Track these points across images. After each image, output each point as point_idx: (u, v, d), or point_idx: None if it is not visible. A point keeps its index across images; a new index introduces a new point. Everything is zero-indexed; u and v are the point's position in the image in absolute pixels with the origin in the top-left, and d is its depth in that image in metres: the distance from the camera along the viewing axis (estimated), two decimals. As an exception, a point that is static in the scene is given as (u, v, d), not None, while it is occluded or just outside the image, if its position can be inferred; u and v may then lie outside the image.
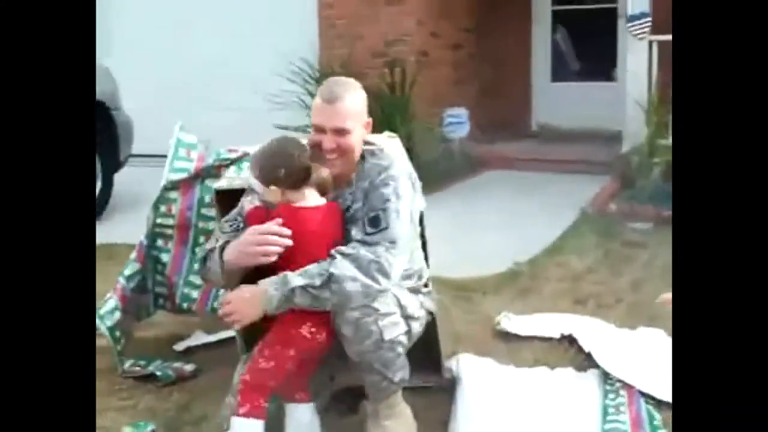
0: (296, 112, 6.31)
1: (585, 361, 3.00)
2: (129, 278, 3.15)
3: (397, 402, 2.49)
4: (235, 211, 2.52)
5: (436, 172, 6.06)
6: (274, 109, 6.29)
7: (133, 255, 3.21)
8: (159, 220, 3.23)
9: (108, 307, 3.08)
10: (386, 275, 2.25)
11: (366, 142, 2.49)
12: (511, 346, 3.23)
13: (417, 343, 2.77)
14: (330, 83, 2.48)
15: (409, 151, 5.84)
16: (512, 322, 3.35)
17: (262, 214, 2.39)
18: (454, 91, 6.89)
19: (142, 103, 6.51)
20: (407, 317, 2.40)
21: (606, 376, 2.84)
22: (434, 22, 6.75)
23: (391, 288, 2.30)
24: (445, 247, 4.51)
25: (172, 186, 3.21)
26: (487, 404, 2.68)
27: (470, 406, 2.67)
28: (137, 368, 3.07)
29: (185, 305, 3.31)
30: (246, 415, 2.29)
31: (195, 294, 3.30)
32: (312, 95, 6.38)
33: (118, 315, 3.06)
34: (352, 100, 2.41)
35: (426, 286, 2.63)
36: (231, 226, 2.45)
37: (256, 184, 2.41)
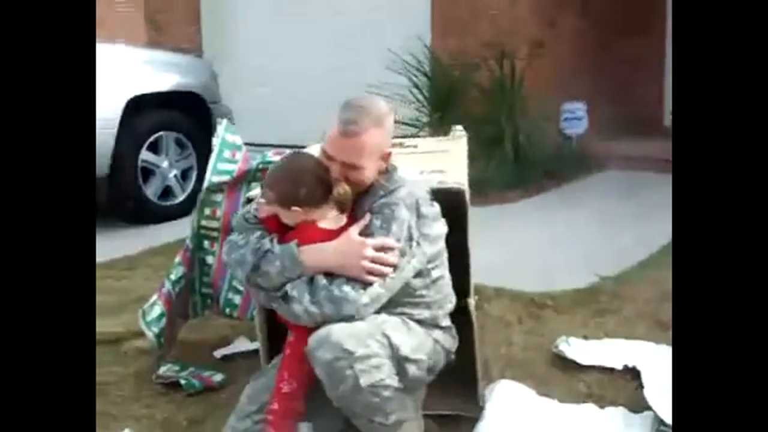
0: (403, 106, 6.14)
1: (644, 400, 2.66)
2: (175, 283, 3.08)
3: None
4: (249, 212, 2.36)
5: (543, 173, 5.72)
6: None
7: (179, 258, 3.15)
8: (204, 223, 3.16)
9: (155, 313, 3.03)
10: (336, 304, 2.11)
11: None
12: (565, 376, 2.92)
13: (450, 367, 2.57)
14: (351, 109, 2.24)
15: (518, 147, 5.69)
16: (572, 348, 3.02)
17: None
18: (572, 84, 6.45)
19: (247, 96, 6.57)
20: (400, 359, 2.18)
21: (660, 423, 2.49)
22: (551, 10, 6.35)
23: (355, 317, 2.12)
24: (524, 257, 4.24)
25: (216, 188, 3.12)
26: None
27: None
28: (171, 374, 3.02)
29: (227, 310, 3.23)
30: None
31: (237, 300, 3.21)
32: (419, 89, 6.21)
33: (164, 321, 3.01)
34: (373, 136, 2.22)
35: (448, 317, 2.41)
36: (262, 238, 2.29)
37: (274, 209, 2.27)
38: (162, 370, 3.04)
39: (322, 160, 2.26)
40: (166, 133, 5.29)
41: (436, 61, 6.27)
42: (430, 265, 2.30)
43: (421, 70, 6.19)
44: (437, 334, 2.34)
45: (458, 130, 3.45)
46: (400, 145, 3.48)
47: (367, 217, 2.19)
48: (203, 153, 5.51)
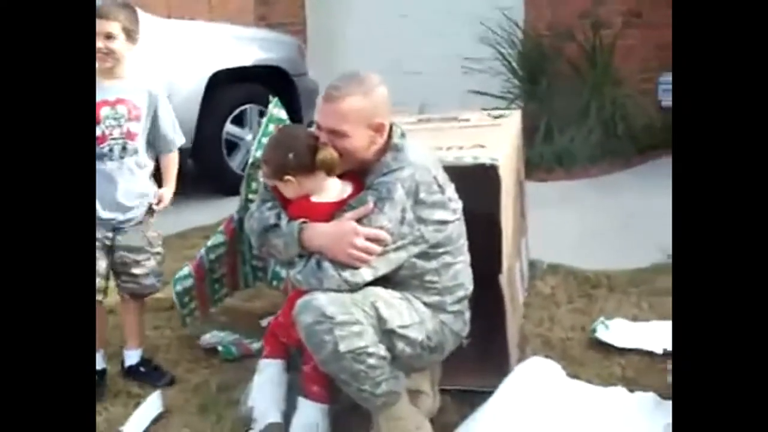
0: (491, 78, 6.05)
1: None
2: (210, 249, 3.16)
3: (400, 415, 2.26)
4: (267, 192, 2.40)
5: (634, 147, 5.50)
6: (467, 74, 6.10)
7: (221, 227, 3.23)
8: (251, 196, 3.21)
9: (182, 273, 3.14)
10: (318, 279, 2.15)
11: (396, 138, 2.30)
12: (602, 358, 2.83)
13: (480, 344, 2.55)
14: (338, 79, 2.28)
15: (612, 120, 5.49)
16: (609, 332, 2.92)
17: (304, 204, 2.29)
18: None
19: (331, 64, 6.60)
20: (388, 332, 2.17)
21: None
22: (649, -22, 6.06)
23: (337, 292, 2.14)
24: (594, 234, 4.10)
25: (260, 162, 3.17)
26: (516, 416, 2.34)
27: (497, 413, 2.36)
28: (214, 340, 3.12)
29: (274, 283, 3.29)
30: (267, 356, 2.43)
31: (284, 274, 3.26)
32: (508, 61, 6.08)
33: (189, 282, 3.10)
34: (354, 101, 2.21)
35: (459, 302, 2.36)
36: (270, 209, 2.34)
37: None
38: (206, 336, 3.14)
39: (313, 131, 2.28)
40: (251, 107, 5.41)
41: (527, 32, 6.12)
42: (439, 250, 2.27)
43: (511, 41, 6.05)
44: (444, 317, 2.31)
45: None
46: (454, 119, 3.46)
47: (370, 205, 2.18)
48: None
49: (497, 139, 2.95)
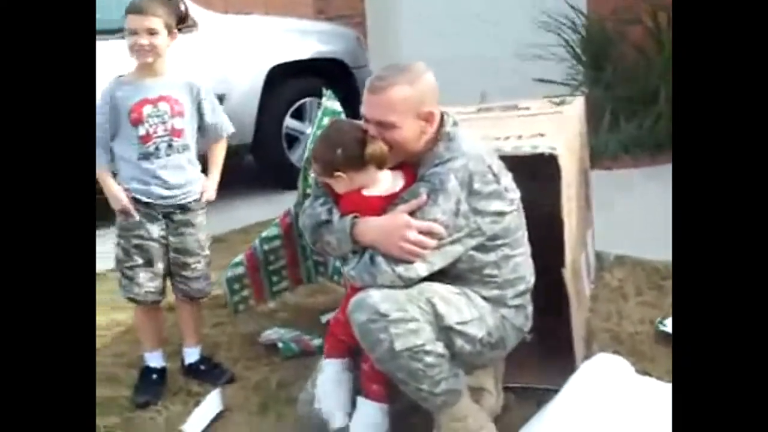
0: (555, 65, 5.90)
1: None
2: (264, 240, 3.14)
3: (462, 415, 2.19)
4: (318, 188, 2.35)
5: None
6: (530, 62, 5.96)
7: (277, 220, 3.21)
8: (307, 190, 3.18)
9: (234, 261, 3.13)
10: (371, 275, 2.09)
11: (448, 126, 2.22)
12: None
13: (544, 339, 2.48)
14: (383, 69, 2.22)
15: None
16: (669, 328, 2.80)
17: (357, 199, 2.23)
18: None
19: (404, 57, 6.51)
20: (446, 329, 2.10)
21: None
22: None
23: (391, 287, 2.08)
24: (662, 224, 3.93)
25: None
26: (583, 415, 2.25)
27: (562, 412, 2.27)
28: (274, 337, 3.10)
29: (335, 278, 3.25)
30: (327, 356, 2.36)
31: (344, 269, 3.22)
32: (571, 47, 5.93)
33: (240, 269, 3.08)
34: (400, 90, 2.14)
35: (520, 296, 2.28)
36: (322, 205, 2.30)
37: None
38: (267, 332, 3.12)
39: (361, 124, 2.22)
40: (310, 100, 5.37)
41: (590, 16, 5.96)
42: (498, 242, 2.19)
43: (574, 27, 5.90)
44: (505, 311, 2.23)
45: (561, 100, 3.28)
46: (514, 107, 3.36)
47: (423, 197, 2.11)
48: (348, 118, 5.61)
49: (558, 127, 2.85)
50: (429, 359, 2.06)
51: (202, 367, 2.90)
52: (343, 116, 3.18)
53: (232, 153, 5.08)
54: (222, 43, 4.94)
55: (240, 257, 3.14)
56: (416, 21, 7.52)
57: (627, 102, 5.51)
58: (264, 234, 3.17)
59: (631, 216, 4.07)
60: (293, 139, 5.41)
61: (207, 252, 2.88)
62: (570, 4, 5.88)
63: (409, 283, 2.09)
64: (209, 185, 2.83)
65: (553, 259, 2.52)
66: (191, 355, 2.92)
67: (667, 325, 2.81)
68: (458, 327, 2.12)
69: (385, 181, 2.23)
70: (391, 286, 2.08)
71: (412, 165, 2.24)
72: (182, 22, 4.51)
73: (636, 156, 5.22)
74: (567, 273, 2.49)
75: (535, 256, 2.37)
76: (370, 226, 2.14)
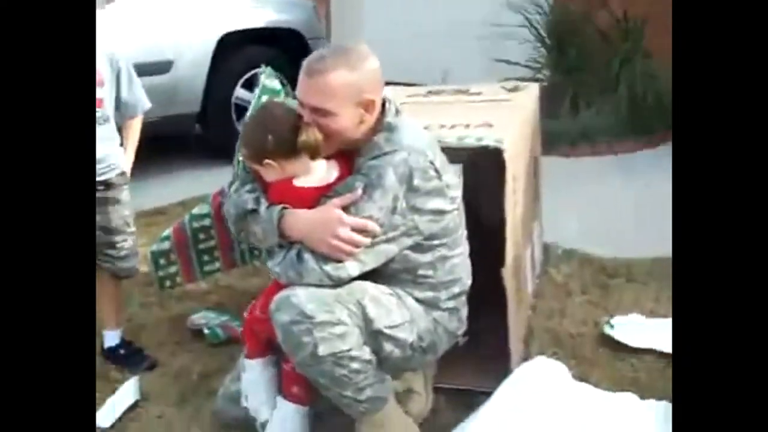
0: (518, 46, 5.76)
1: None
2: (194, 217, 2.96)
3: (385, 422, 2.06)
4: (246, 173, 2.19)
5: (664, 123, 5.21)
6: (493, 42, 5.83)
7: (209, 198, 3.04)
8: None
9: (161, 235, 2.97)
10: (297, 272, 1.95)
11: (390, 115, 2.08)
12: (616, 357, 2.61)
13: (479, 340, 2.37)
14: (323, 50, 2.06)
15: (642, 94, 5.20)
16: (617, 330, 2.70)
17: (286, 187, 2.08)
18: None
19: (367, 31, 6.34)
20: (375, 333, 1.97)
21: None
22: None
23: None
24: (613, 218, 3.85)
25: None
26: (515, 420, 2.14)
27: (494, 416, 2.16)
28: (201, 321, 2.95)
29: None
30: (248, 357, 2.24)
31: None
32: (536, 28, 5.79)
33: (166, 244, 2.91)
34: (340, 76, 1.97)
35: (455, 299, 2.16)
36: (249, 192, 2.14)
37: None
38: (195, 316, 2.98)
39: (296, 108, 2.06)
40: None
41: (557, -1, 5.83)
42: (435, 242, 2.06)
43: (540, 7, 5.76)
44: (438, 314, 2.11)
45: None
46: (465, 92, 3.23)
47: (358, 192, 1.96)
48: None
49: (508, 117, 2.72)
50: (354, 365, 1.93)
51: (122, 352, 2.75)
52: (282, 96, 3.01)
53: (179, 121, 4.97)
54: (172, 8, 4.72)
55: (167, 231, 2.97)
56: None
57: (588, 88, 5.40)
58: (195, 211, 2.99)
59: (584, 207, 3.97)
60: (243, 110, 5.20)
61: (133, 228, 2.72)
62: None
63: (338, 283, 1.95)
64: (125, 162, 2.67)
65: (493, 259, 2.40)
66: (111, 338, 2.76)
67: (615, 327, 2.71)
68: (388, 331, 1.98)
69: (318, 171, 2.07)
70: (319, 285, 1.93)
71: (349, 155, 2.09)
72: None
73: (593, 143, 5.11)
74: (506, 273, 2.37)
75: (475, 252, 2.25)
76: (299, 219, 1.99)
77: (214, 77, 4.91)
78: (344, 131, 2.02)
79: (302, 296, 1.90)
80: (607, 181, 4.52)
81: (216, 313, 3.01)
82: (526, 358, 2.54)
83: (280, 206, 2.02)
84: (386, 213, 1.95)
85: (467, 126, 2.52)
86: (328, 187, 2.03)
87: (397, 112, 2.10)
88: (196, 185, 4.53)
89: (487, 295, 2.32)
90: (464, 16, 6.41)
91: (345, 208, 1.94)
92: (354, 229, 1.93)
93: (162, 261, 2.95)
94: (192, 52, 4.78)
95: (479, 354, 2.48)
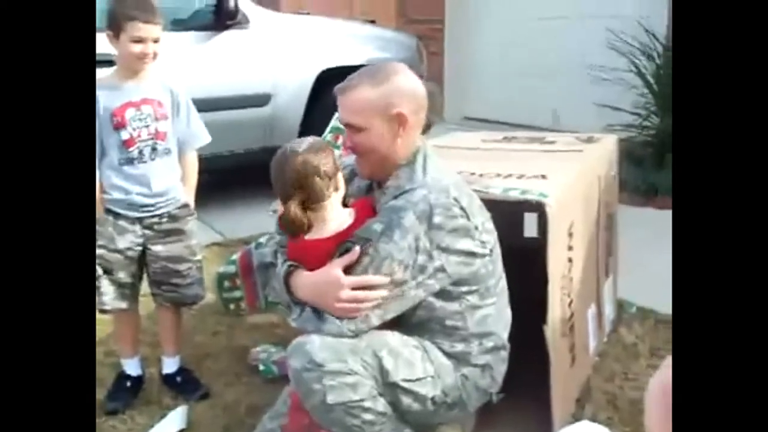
0: (626, 91, 5.61)
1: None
2: (259, 245, 3.02)
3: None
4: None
5: None
6: (598, 84, 5.73)
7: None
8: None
9: (228, 258, 3.05)
10: (315, 325, 1.94)
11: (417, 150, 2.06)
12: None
13: (521, 397, 2.30)
14: (363, 69, 2.08)
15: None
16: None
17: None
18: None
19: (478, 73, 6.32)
20: (392, 385, 1.94)
21: None
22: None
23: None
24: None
25: None
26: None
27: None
28: (261, 356, 2.98)
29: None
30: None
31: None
32: (642, 74, 5.63)
33: (232, 268, 2.98)
34: (367, 90, 1.99)
35: (488, 353, 2.10)
36: (271, 245, 2.18)
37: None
38: (256, 349, 3.01)
39: (326, 146, 2.09)
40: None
41: (667, 45, 5.63)
42: (463, 288, 2.01)
43: (647, 52, 5.59)
44: (468, 370, 2.06)
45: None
46: (541, 140, 3.17)
47: (355, 252, 1.93)
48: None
49: (568, 169, 2.65)
50: (367, 416, 1.91)
51: (178, 379, 2.81)
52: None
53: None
54: (273, 42, 4.86)
55: (235, 256, 3.05)
56: (493, 31, 7.37)
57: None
58: (261, 240, 3.06)
59: (664, 262, 3.79)
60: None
61: (199, 257, 2.79)
62: (646, 29, 5.57)
63: (359, 333, 1.94)
64: (186, 195, 2.74)
65: (534, 315, 2.32)
66: (169, 365, 2.83)
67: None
68: (405, 384, 1.95)
69: (333, 221, 2.06)
70: (339, 336, 1.93)
71: (366, 200, 2.11)
72: (231, 18, 4.45)
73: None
74: (548, 331, 2.29)
75: (519, 307, 2.20)
76: (304, 282, 2.00)
77: (311, 113, 5.00)
78: (378, 147, 2.02)
79: (316, 344, 1.90)
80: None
81: (278, 348, 3.04)
82: (578, 418, 2.45)
83: (287, 264, 2.04)
84: (409, 253, 1.91)
85: (520, 177, 2.47)
86: (344, 234, 2.02)
87: (425, 149, 2.09)
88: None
89: (529, 352, 2.26)
90: (577, 58, 6.34)
91: (360, 254, 1.93)
92: (356, 288, 1.92)
93: (227, 284, 3.03)
94: (290, 88, 4.90)
95: (521, 412, 2.41)
